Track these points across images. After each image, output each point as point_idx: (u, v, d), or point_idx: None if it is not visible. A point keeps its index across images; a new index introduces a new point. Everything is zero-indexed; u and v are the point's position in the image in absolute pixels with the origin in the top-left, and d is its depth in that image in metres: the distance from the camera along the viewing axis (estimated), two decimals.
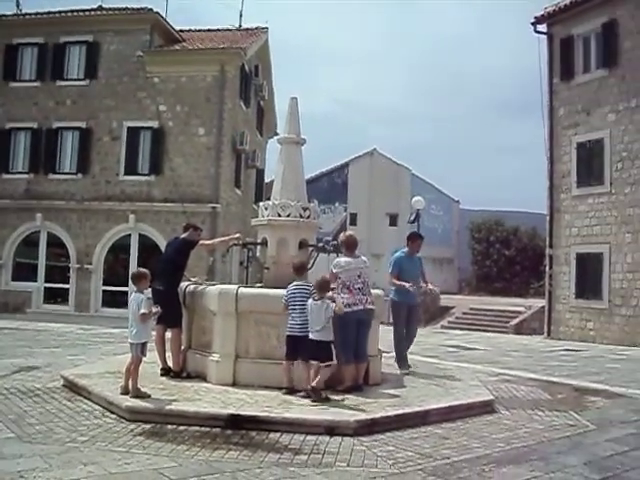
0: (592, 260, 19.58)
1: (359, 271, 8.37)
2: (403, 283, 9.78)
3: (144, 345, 7.47)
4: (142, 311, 7.35)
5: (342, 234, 8.98)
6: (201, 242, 9.69)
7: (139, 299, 7.47)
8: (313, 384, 7.45)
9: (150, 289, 9.18)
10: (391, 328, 10.09)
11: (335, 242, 9.35)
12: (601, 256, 19.23)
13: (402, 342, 10.02)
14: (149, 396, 7.24)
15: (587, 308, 19.65)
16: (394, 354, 10.10)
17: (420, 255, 10.39)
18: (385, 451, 5.94)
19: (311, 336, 7.65)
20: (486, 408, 7.87)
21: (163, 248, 14.73)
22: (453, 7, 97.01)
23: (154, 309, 7.56)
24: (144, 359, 7.56)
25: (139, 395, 7.22)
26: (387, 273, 10.22)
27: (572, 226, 20.40)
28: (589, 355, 15.49)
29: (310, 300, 7.80)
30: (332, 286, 8.20)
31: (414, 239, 10.34)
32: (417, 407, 7.46)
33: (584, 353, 15.87)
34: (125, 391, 7.33)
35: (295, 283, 8.01)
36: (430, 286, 10.40)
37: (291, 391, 7.71)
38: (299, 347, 7.73)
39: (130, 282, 9.02)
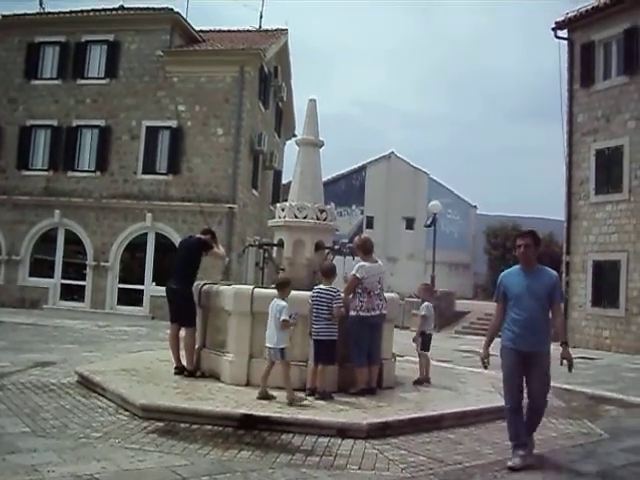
0: (609, 268, 19.43)
1: (379, 276, 8.38)
2: (489, 337, 6.34)
3: (282, 350, 7.40)
4: (283, 317, 7.32)
5: (357, 237, 8.97)
6: (214, 250, 9.59)
7: (280, 306, 7.44)
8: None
9: (165, 288, 9.27)
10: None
11: (351, 245, 9.33)
12: (618, 264, 19.07)
13: (516, 409, 6.06)
14: (274, 398, 7.32)
15: (603, 316, 19.49)
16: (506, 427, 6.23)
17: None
18: (397, 455, 5.93)
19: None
20: (499, 414, 7.81)
21: None
22: (469, 10, 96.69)
23: (291, 320, 7.45)
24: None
25: (266, 397, 7.33)
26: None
27: (590, 233, 20.26)
28: (604, 363, 15.38)
29: (427, 303, 9.55)
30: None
31: (518, 240, 6.23)
32: (430, 411, 7.47)
33: (599, 361, 15.75)
34: (262, 396, 7.37)
35: (320, 286, 7.97)
36: (565, 354, 5.91)
37: (312, 392, 7.73)
38: (320, 350, 7.74)
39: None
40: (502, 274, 6.37)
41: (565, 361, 5.91)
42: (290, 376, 7.45)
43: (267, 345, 7.53)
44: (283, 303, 7.48)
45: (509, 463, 5.75)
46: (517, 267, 6.25)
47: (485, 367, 6.17)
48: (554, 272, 6.26)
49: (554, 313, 6.14)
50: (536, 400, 6.07)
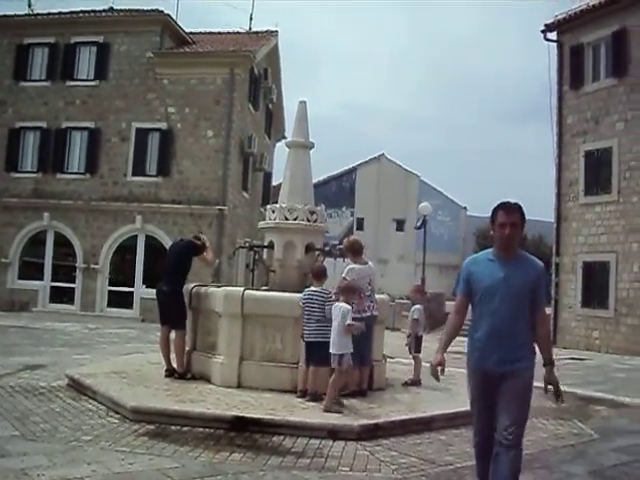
0: (599, 269, 19.52)
1: (369, 278, 8.38)
2: (445, 339, 4.66)
3: (342, 357, 7.27)
4: (348, 322, 7.23)
5: (346, 239, 8.97)
6: (204, 256, 9.57)
7: (345, 310, 7.32)
8: None
9: (155, 290, 9.24)
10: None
11: (341, 246, 9.33)
12: (608, 265, 19.17)
13: (483, 447, 4.52)
14: (340, 412, 7.09)
15: (593, 317, 19.58)
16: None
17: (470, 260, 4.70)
18: (388, 456, 5.93)
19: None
20: None
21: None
22: (464, 11, 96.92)
23: (357, 324, 7.41)
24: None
25: (330, 410, 7.09)
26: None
27: (579, 234, 20.35)
28: (594, 364, 15.44)
29: (418, 306, 9.65)
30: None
31: (500, 217, 4.36)
32: (421, 413, 7.48)
33: (589, 362, 15.81)
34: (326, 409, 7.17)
35: (312, 288, 7.92)
36: (551, 378, 4.45)
37: (304, 394, 7.72)
38: (312, 352, 7.72)
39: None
40: (467, 261, 4.72)
41: (550, 387, 4.46)
42: (337, 385, 7.30)
43: (331, 351, 7.37)
44: (347, 307, 7.36)
45: None
46: (488, 252, 4.59)
47: (437, 379, 4.57)
48: (539, 261, 4.56)
49: (537, 320, 4.44)
50: (507, 438, 4.21)
